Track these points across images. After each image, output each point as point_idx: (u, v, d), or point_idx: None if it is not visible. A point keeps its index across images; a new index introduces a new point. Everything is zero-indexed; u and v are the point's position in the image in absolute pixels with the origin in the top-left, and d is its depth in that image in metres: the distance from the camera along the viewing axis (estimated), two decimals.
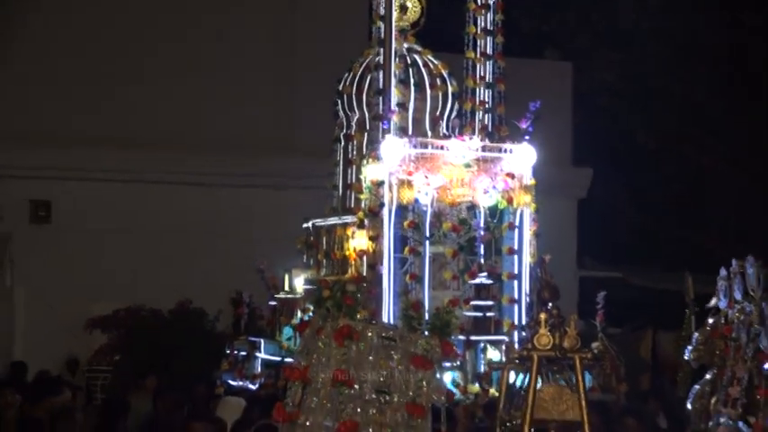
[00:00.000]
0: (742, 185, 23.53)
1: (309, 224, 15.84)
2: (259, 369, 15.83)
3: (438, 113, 14.81)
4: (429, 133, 14.49)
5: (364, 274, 13.54)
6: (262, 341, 16.25)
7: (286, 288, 16.15)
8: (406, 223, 13.50)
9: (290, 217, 16.69)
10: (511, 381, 9.20)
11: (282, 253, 16.46)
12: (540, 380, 8.39)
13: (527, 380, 8.53)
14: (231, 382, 15.27)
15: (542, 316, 8.56)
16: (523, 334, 12.69)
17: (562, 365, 8.64)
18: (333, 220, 15.23)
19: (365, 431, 7.34)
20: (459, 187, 13.66)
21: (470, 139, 13.83)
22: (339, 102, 15.48)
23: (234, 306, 19.09)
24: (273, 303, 16.40)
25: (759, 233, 22.60)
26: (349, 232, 14.43)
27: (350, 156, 15.30)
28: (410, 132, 14.19)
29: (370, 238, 13.78)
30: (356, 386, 7.37)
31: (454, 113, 14.88)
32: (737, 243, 21.49)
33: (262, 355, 16.07)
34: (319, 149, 16.55)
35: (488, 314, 13.39)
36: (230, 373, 15.78)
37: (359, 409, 7.38)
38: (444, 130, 14.60)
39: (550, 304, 9.14)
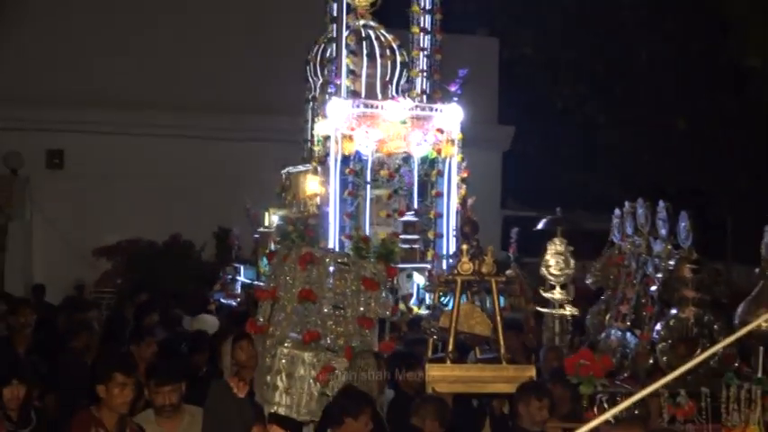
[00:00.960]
0: (632, 139, 23.72)
1: (285, 171, 16.07)
2: (239, 290, 16.07)
3: (388, 79, 14.81)
4: (380, 96, 14.53)
5: (318, 213, 13.71)
6: (242, 267, 16.50)
7: (266, 224, 16.31)
8: (347, 170, 13.69)
9: (273, 165, 16.72)
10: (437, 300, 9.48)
11: (265, 195, 16.60)
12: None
13: (450, 299, 8.77)
14: (222, 300, 15.42)
15: (464, 247, 8.80)
16: (451, 261, 12.89)
17: (480, 288, 8.93)
18: (299, 168, 15.38)
19: (325, 340, 7.54)
20: (395, 140, 13.89)
21: (405, 99, 14.12)
22: (307, 68, 15.59)
23: (217, 239, 19.36)
24: (256, 236, 16.59)
25: (647, 178, 22.95)
26: (307, 178, 14.59)
27: (315, 114, 15.39)
28: (363, 95, 14.29)
29: (320, 183, 14.03)
30: (317, 302, 7.62)
31: (403, 79, 14.95)
32: (629, 186, 21.82)
33: (242, 278, 16.33)
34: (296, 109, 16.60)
35: (414, 246, 13.56)
36: (221, 293, 16.03)
37: (319, 322, 7.61)
38: (393, 93, 14.66)
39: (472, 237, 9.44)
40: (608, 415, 3.20)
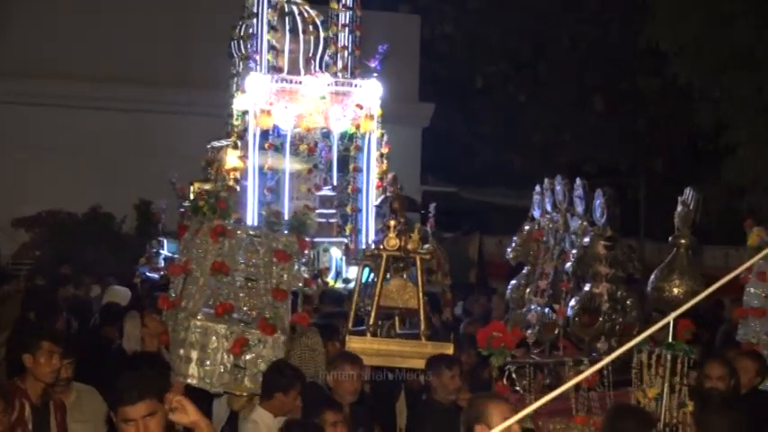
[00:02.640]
0: (553, 118, 23.88)
1: (210, 145, 15.85)
2: (163, 263, 15.83)
3: (311, 55, 14.64)
4: (302, 71, 14.35)
5: (237, 187, 13.56)
6: (165, 241, 16.26)
7: (191, 197, 16.01)
8: (266, 145, 13.55)
9: (199, 139, 16.51)
10: (363, 276, 9.44)
11: (192, 168, 16.33)
12: (388, 275, 8.65)
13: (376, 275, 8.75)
14: (147, 273, 15.24)
15: (392, 222, 8.76)
16: (375, 237, 12.85)
17: (406, 263, 8.90)
18: (222, 143, 15.17)
19: (238, 312, 7.43)
20: (314, 116, 13.74)
21: (324, 75, 13.98)
22: (231, 44, 15.36)
23: (138, 212, 19.09)
24: (182, 210, 16.33)
25: (567, 156, 23.16)
26: (227, 152, 14.41)
27: (238, 89, 15.17)
28: (286, 71, 14.14)
29: (239, 158, 13.83)
30: (230, 275, 7.48)
31: (327, 55, 14.84)
32: (549, 164, 21.96)
33: (165, 252, 16.08)
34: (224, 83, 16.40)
35: (331, 220, 13.50)
36: (146, 266, 15.79)
37: (232, 294, 7.47)
38: (316, 69, 14.54)
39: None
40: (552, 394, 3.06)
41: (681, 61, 14.95)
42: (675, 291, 6.95)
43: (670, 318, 3.41)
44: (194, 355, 7.15)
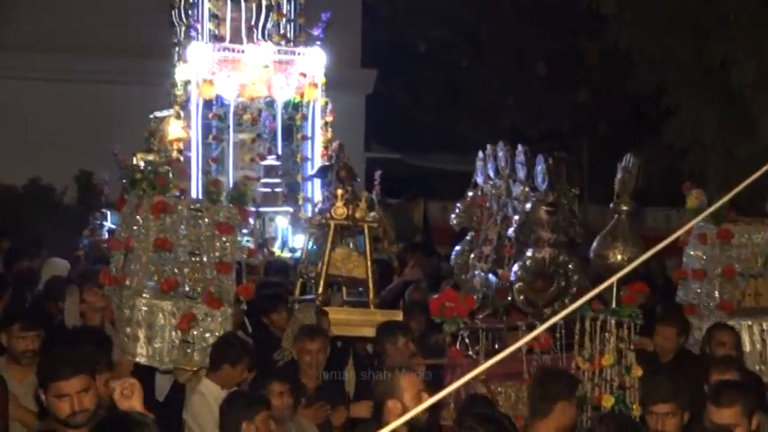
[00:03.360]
0: (495, 82, 23.95)
1: (152, 116, 15.67)
2: (106, 235, 15.66)
3: (253, 23, 14.39)
4: (245, 40, 14.16)
5: (181, 158, 13.48)
6: (108, 213, 16.11)
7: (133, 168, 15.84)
8: (210, 115, 13.46)
9: (141, 109, 16.31)
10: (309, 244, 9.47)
11: (135, 139, 16.13)
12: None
13: (323, 242, 8.78)
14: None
15: (339, 191, 8.79)
16: (318, 206, 12.87)
17: (352, 231, 8.93)
18: (165, 113, 15.00)
19: (183, 287, 7.43)
20: (258, 85, 13.64)
21: (267, 43, 13.89)
22: (172, 12, 15.09)
23: (79, 183, 18.85)
24: (125, 181, 16.12)
25: (509, 121, 23.28)
26: (170, 122, 14.26)
27: (180, 58, 14.99)
28: (228, 39, 14.00)
29: (182, 128, 13.73)
30: (173, 250, 7.46)
31: (270, 23, 14.70)
32: (492, 129, 22.05)
33: (108, 224, 15.93)
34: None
35: (276, 190, 13.45)
36: (90, 238, 15.63)
37: (176, 270, 7.46)
38: (259, 37, 14.42)
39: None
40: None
41: (621, 24, 15.05)
42: (618, 257, 7.05)
43: (613, 279, 3.44)
44: (142, 333, 7.17)
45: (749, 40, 13.10)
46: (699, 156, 14.17)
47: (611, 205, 7.35)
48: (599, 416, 5.20)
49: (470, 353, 7.76)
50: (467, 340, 7.78)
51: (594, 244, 7.28)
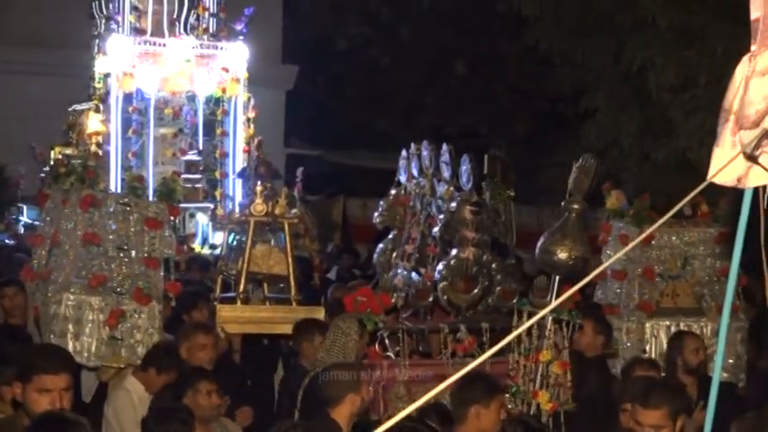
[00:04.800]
0: (415, 81, 24.07)
1: (71, 108, 15.48)
2: (22, 230, 15.46)
3: (175, 16, 14.33)
4: (167, 33, 14.09)
5: (100, 152, 13.36)
6: (24, 207, 15.89)
7: (52, 162, 15.64)
8: (131, 109, 13.37)
9: (59, 102, 16.07)
10: (228, 240, 9.46)
11: (52, 132, 15.91)
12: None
13: (243, 239, 8.78)
14: (6, 240, 14.81)
15: (258, 188, 8.80)
16: (238, 202, 12.84)
17: (273, 228, 8.95)
18: (84, 106, 14.84)
19: (111, 282, 7.41)
20: (179, 79, 13.60)
21: (189, 37, 13.85)
22: (93, 4, 14.98)
23: None
24: (42, 175, 15.92)
25: (429, 119, 23.44)
26: (89, 116, 14.15)
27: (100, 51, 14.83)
28: (149, 32, 13.92)
29: (101, 122, 13.62)
30: (101, 245, 7.43)
31: (192, 17, 14.61)
32: (412, 127, 22.20)
33: (25, 218, 15.73)
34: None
35: (197, 185, 13.42)
36: (5, 234, 15.38)
37: (104, 265, 7.44)
38: (181, 31, 14.35)
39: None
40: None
41: (541, 26, 15.27)
42: (564, 255, 7.16)
43: (591, 277, 3.55)
44: (69, 329, 7.12)
45: (667, 44, 13.40)
46: (616, 158, 14.45)
47: (563, 204, 7.47)
48: (509, 418, 5.31)
49: (389, 353, 7.82)
50: (386, 341, 7.84)
51: (542, 240, 7.37)
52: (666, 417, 5.33)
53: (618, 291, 8.93)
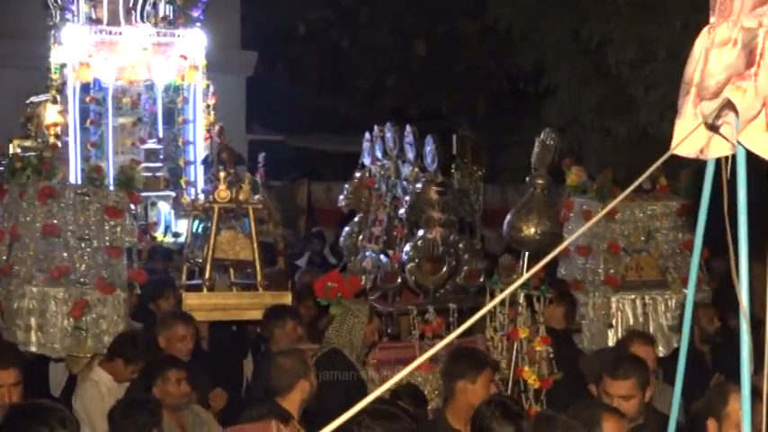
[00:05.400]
0: (376, 63, 24.02)
1: (29, 100, 15.29)
2: None
3: (131, 5, 14.02)
4: (123, 22, 13.83)
5: (59, 143, 13.22)
6: None
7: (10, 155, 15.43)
8: (88, 99, 13.22)
9: (16, 93, 15.84)
10: (193, 228, 9.42)
11: (9, 124, 15.67)
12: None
13: (208, 226, 8.74)
14: None
15: (222, 174, 8.76)
16: (202, 189, 12.78)
17: (237, 214, 8.92)
18: (41, 97, 14.70)
19: (74, 273, 7.36)
20: (137, 67, 13.43)
21: (145, 25, 13.72)
22: None
23: None
24: (1, 168, 15.72)
25: (391, 101, 23.41)
26: (47, 107, 13.97)
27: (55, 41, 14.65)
28: (105, 21, 13.74)
29: (59, 112, 13.48)
30: (62, 236, 7.37)
31: (148, 5, 14.40)
32: (374, 110, 22.17)
33: None
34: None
35: (158, 174, 13.28)
36: None
37: (66, 255, 7.39)
38: (137, 19, 14.16)
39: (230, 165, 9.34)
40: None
41: (501, 5, 15.30)
42: (531, 230, 7.16)
43: (557, 252, 3.54)
44: (33, 322, 7.08)
45: (625, 20, 13.46)
46: (578, 134, 14.51)
47: (527, 179, 7.47)
48: (486, 400, 5.32)
49: None
50: None
51: (509, 217, 7.38)
52: (635, 387, 5.40)
53: (583, 266, 8.96)
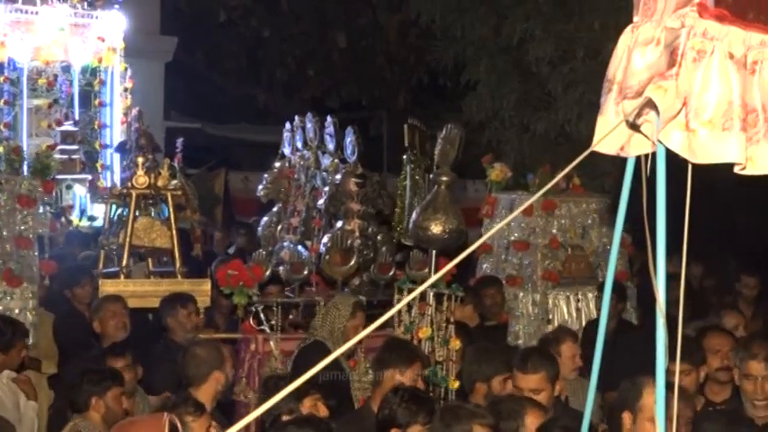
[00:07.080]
0: (296, 53, 23.92)
1: None
2: None
3: None
4: (39, 1, 13.36)
5: None
6: None
7: None
8: (2, 79, 12.95)
9: None
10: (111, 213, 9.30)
11: None
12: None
13: (125, 212, 8.66)
14: None
15: (140, 160, 8.67)
16: (118, 174, 12.64)
17: (154, 201, 8.84)
18: None
19: None
20: (53, 48, 13.18)
21: (62, 5, 13.47)
22: None
23: None
24: None
25: (311, 92, 23.37)
26: None
27: None
28: (20, 0, 13.49)
29: None
30: None
31: None
32: (293, 100, 22.09)
33: None
34: None
35: (74, 157, 13.07)
36: None
37: None
38: None
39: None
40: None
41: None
42: (438, 229, 7.19)
43: (472, 249, 3.57)
44: None
45: (545, 18, 13.58)
46: (497, 130, 14.61)
47: (431, 176, 7.51)
48: (394, 388, 5.36)
49: (264, 327, 7.80)
50: (261, 314, 7.82)
51: (414, 215, 7.40)
52: (544, 380, 5.48)
53: (519, 262, 9.04)
